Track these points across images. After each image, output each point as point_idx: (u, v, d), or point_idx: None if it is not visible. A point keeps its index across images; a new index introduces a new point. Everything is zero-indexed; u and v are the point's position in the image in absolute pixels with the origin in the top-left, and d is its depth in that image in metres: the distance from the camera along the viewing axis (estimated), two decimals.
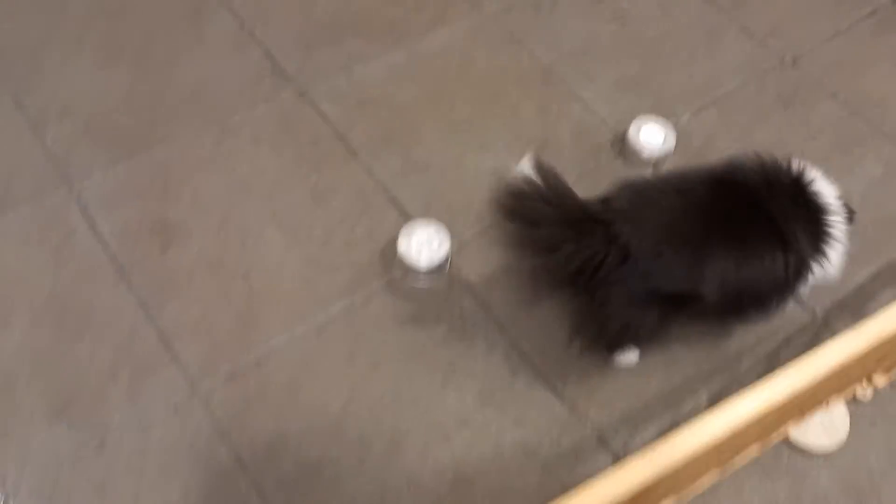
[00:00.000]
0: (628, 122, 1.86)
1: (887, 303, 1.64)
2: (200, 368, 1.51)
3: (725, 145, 1.88)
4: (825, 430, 1.45)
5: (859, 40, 2.11)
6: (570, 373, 1.54)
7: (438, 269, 1.63)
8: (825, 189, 1.39)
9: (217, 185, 1.77)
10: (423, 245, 1.63)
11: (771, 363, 1.57)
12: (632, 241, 1.27)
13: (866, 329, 0.86)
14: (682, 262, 1.29)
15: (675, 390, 1.53)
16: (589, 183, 1.79)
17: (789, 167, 1.39)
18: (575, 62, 2.02)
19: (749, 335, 1.59)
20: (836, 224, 1.37)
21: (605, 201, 1.37)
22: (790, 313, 1.63)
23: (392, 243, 1.65)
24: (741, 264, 1.30)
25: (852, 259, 1.70)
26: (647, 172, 1.83)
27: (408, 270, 1.63)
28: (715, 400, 1.51)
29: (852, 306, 1.64)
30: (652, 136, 1.83)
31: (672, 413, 1.51)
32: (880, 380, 1.49)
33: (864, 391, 1.48)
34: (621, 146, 1.86)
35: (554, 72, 2.00)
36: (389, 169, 1.80)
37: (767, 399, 0.85)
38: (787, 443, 1.45)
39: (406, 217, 1.71)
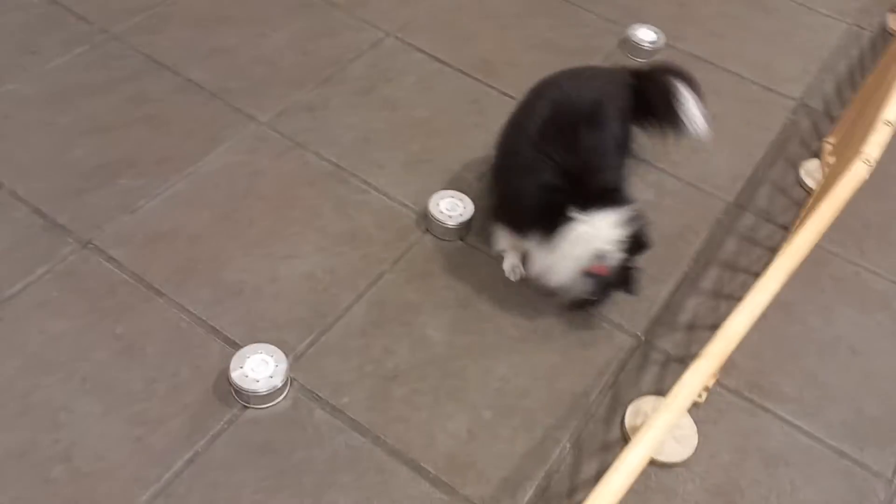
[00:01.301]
0: (426, 199, 1.92)
1: (694, 311, 1.80)
2: None
3: None
4: (678, 441, 1.55)
5: None
6: (438, 456, 1.52)
7: (280, 391, 1.56)
8: None
9: (8, 367, 1.57)
10: (258, 370, 1.55)
11: (615, 392, 1.66)
12: None
13: (708, 357, 0.94)
14: None
15: (538, 444, 1.56)
16: (406, 265, 1.83)
17: None
18: (360, 153, 2.07)
19: (589, 369, 1.68)
20: None
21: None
22: (618, 341, 1.74)
23: (224, 376, 1.56)
24: None
25: (654, 280, 1.86)
26: (456, 243, 1.89)
27: (248, 399, 1.54)
28: (576, 442, 1.56)
29: (667, 321, 1.79)
30: (452, 207, 1.90)
31: (543, 467, 1.53)
32: (709, 381, 1.62)
33: (699, 395, 1.61)
34: (426, 222, 1.91)
35: (342, 167, 2.03)
36: (201, 300, 1.71)
37: (646, 449, 0.90)
38: (649, 462, 1.53)
39: (232, 346, 1.62)
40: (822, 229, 1.04)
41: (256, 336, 1.64)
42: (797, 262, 1.00)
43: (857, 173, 1.08)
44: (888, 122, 1.18)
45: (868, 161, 1.11)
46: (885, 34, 2.65)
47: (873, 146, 1.13)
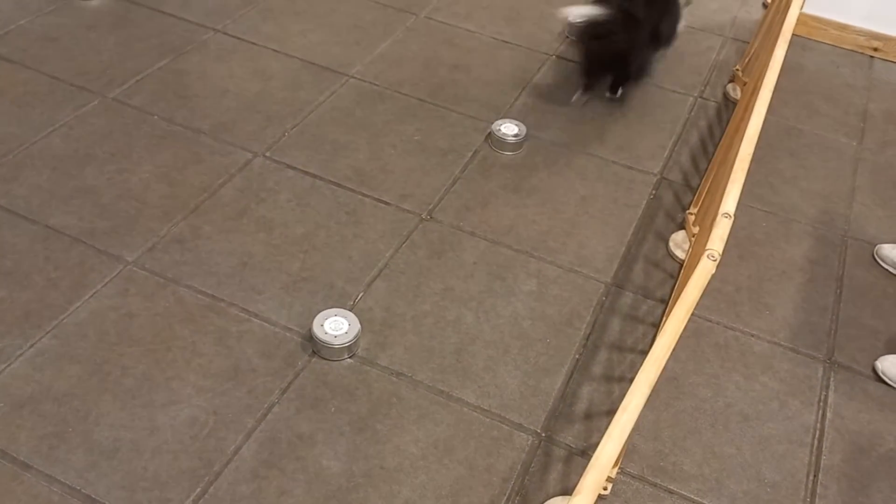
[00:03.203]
0: (310, 320, 1.88)
1: (589, 399, 1.81)
2: None
3: (403, 310, 1.98)
4: None
5: (472, 180, 2.41)
6: None
7: None
8: None
9: None
10: None
11: (523, 498, 1.62)
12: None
13: (602, 455, 0.93)
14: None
15: None
16: (295, 394, 1.77)
17: None
18: (237, 281, 2.01)
19: (494, 478, 1.64)
20: None
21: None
22: (518, 442, 1.72)
23: None
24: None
25: (546, 371, 1.87)
26: (345, 361, 1.85)
27: None
28: None
29: (564, 413, 1.79)
30: (337, 326, 1.87)
31: None
32: (612, 472, 1.61)
33: (604, 488, 1.60)
34: (313, 345, 1.86)
35: (220, 297, 1.97)
36: (74, 467, 1.58)
37: None
38: None
39: None
40: (679, 330, 1.06)
41: (137, 499, 1.53)
42: (657, 372, 1.01)
43: (704, 270, 1.12)
44: (727, 215, 1.25)
45: (713, 256, 1.16)
46: (727, 103, 2.85)
47: (716, 241, 1.19)
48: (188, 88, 2.63)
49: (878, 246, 2.29)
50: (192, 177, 2.31)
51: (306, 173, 2.38)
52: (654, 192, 2.44)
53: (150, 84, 2.62)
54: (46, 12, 2.88)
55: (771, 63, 1.58)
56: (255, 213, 2.23)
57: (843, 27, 3.21)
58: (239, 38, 2.89)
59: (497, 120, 2.59)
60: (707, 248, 1.16)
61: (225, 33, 2.90)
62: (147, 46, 2.78)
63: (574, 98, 2.68)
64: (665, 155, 2.59)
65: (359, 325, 1.88)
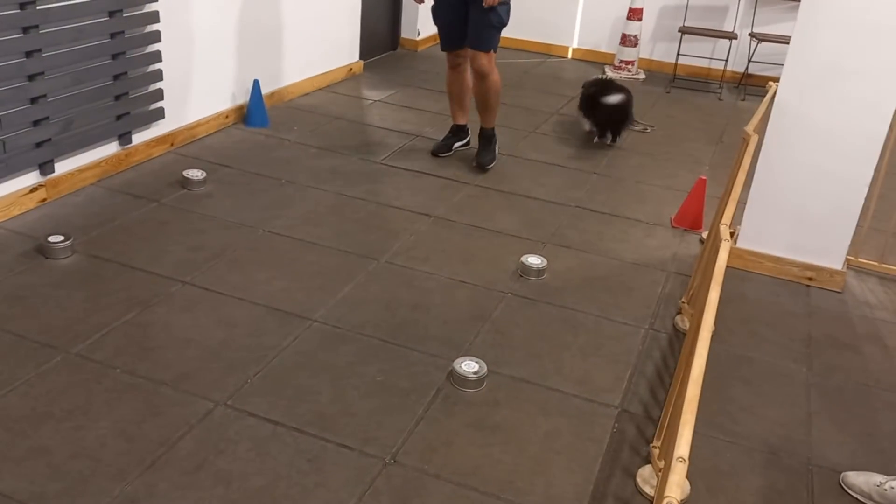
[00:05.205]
0: None
1: None
2: None
3: None
4: None
5: (435, 419, 2.41)
6: None
7: None
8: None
9: None
10: None
11: None
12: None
13: None
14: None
15: None
16: None
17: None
18: None
19: None
20: None
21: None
22: None
23: None
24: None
25: None
26: None
27: None
28: None
29: None
30: None
31: None
32: None
33: None
34: None
35: None
36: None
37: None
38: None
39: None
40: None
41: None
42: None
43: None
44: (682, 459, 1.27)
45: None
46: (678, 334, 2.97)
47: (673, 488, 1.20)
48: (152, 340, 2.67)
49: (844, 474, 2.29)
50: (151, 430, 2.28)
51: (267, 420, 2.36)
52: (616, 425, 2.45)
53: (114, 338, 2.65)
54: (17, 272, 2.98)
55: (707, 305, 1.69)
56: (213, 465, 2.17)
57: (778, 259, 3.45)
58: (205, 289, 2.99)
59: (458, 358, 2.65)
60: (665, 496, 1.17)
61: (192, 284, 3.01)
62: (114, 301, 2.86)
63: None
64: (623, 387, 2.64)
65: None
